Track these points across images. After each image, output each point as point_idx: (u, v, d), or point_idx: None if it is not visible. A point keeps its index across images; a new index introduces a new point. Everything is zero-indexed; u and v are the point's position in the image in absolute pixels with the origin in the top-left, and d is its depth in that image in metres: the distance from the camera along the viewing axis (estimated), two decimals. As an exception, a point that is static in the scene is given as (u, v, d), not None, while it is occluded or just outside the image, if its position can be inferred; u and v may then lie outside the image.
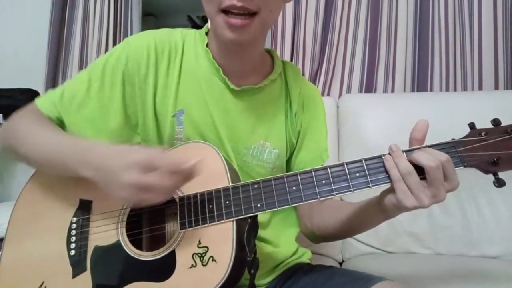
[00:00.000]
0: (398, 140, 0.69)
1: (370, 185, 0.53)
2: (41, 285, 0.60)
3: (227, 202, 0.57)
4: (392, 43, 1.45)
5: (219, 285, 0.52)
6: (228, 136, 0.70)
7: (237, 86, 0.69)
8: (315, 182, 0.55)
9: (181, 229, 0.58)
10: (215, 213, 0.57)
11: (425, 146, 0.53)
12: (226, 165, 0.60)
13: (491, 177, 0.54)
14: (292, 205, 0.55)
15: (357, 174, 0.54)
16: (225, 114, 0.70)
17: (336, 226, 0.69)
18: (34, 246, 0.62)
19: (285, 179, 0.56)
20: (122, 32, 1.74)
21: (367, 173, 0.54)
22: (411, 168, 0.51)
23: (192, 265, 0.55)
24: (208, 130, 0.69)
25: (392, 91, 1.45)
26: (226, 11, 0.58)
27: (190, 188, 0.59)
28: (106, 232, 0.61)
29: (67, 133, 0.66)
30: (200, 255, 0.55)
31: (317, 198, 0.54)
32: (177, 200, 0.60)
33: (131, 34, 1.79)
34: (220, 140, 0.69)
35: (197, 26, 3.48)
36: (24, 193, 0.67)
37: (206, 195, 0.58)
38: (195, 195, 0.59)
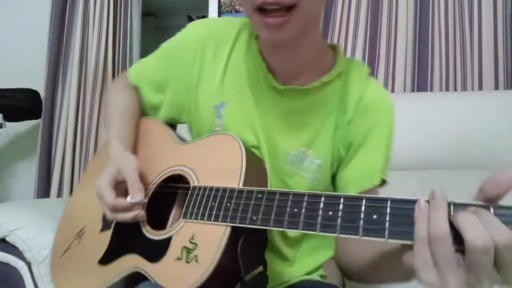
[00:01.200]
0: (398, 140, 0.68)
1: (386, 237, 0.38)
2: (82, 229, 0.71)
3: (228, 204, 0.52)
4: (392, 43, 1.45)
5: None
6: (266, 138, 0.64)
7: (281, 85, 0.63)
8: (320, 211, 0.44)
9: (183, 218, 0.56)
10: (213, 212, 0.53)
11: (488, 206, 0.35)
12: (244, 164, 0.54)
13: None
14: (286, 230, 0.46)
15: (374, 217, 0.40)
16: (266, 114, 0.64)
17: (360, 264, 0.59)
18: (88, 199, 0.73)
19: (290, 197, 0.47)
20: (122, 32, 1.74)
21: (387, 218, 0.39)
22: (445, 231, 0.34)
23: (179, 257, 0.53)
24: (246, 128, 0.64)
25: (392, 91, 1.45)
26: (262, 9, 0.52)
27: (206, 180, 0.58)
28: None
29: (119, 117, 0.74)
30: (188, 250, 0.52)
31: (315, 231, 0.44)
32: (190, 188, 0.58)
33: (131, 34, 1.80)
34: (257, 140, 0.64)
35: (197, 26, 3.46)
36: (90, 162, 0.86)
37: (213, 191, 0.55)
38: (205, 188, 0.56)
